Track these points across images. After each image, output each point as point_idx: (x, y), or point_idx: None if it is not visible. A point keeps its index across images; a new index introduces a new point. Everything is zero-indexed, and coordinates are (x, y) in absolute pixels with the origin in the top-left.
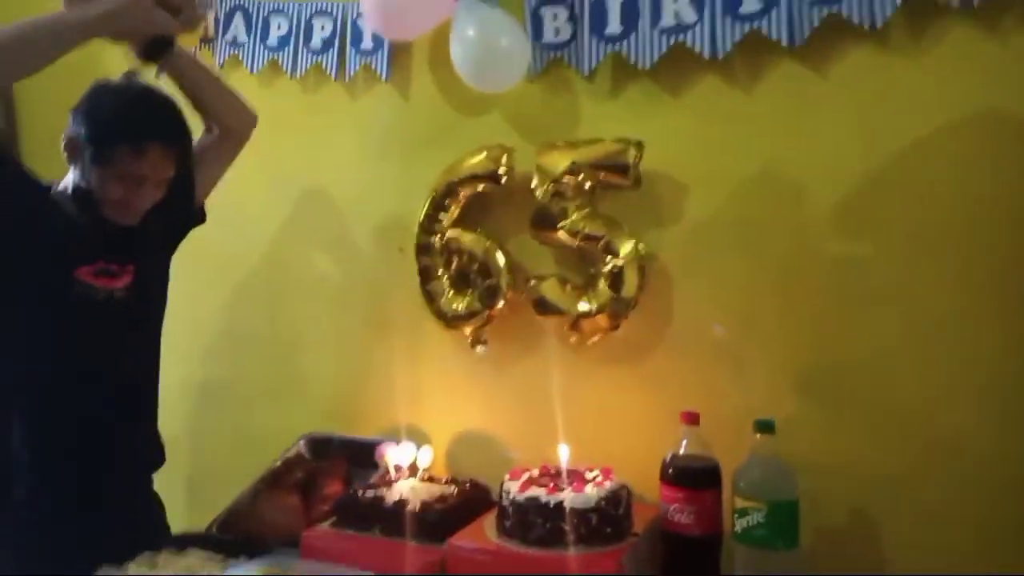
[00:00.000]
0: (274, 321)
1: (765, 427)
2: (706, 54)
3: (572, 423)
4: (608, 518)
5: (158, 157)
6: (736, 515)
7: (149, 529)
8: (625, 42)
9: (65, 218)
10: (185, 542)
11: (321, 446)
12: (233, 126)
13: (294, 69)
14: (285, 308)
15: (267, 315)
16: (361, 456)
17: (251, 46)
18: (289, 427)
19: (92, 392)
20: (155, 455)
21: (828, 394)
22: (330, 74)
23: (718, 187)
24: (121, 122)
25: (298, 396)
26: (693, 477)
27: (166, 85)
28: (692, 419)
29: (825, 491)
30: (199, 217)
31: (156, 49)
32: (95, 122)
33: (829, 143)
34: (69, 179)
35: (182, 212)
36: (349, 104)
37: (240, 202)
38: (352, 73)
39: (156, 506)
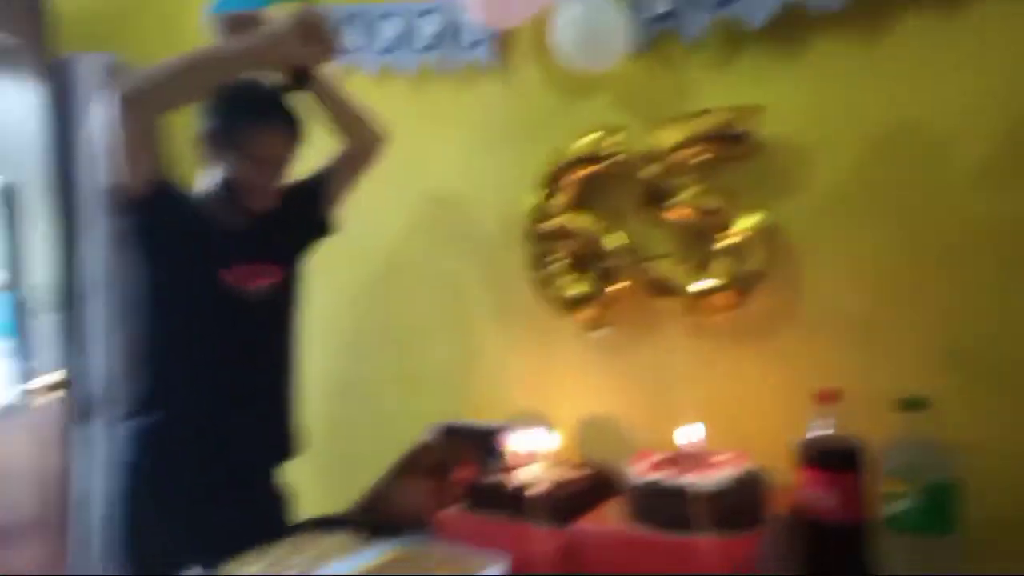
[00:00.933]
0: (401, 315)
1: (914, 404)
2: (822, 8)
3: (698, 405)
4: (740, 502)
5: (280, 135)
6: (885, 499)
7: (270, 520)
8: (732, 6)
9: (211, 223)
10: (328, 524)
11: (451, 433)
12: (364, 145)
13: (405, 69)
14: (410, 302)
15: (395, 310)
16: (489, 442)
17: (364, 51)
18: (419, 415)
19: (237, 386)
20: (289, 447)
21: (983, 368)
22: (438, 71)
23: (845, 151)
24: (246, 105)
25: (426, 385)
26: (835, 459)
27: None
28: (831, 398)
29: (983, 474)
30: (329, 229)
31: (301, 79)
32: (222, 111)
33: (965, 95)
34: (205, 182)
35: (312, 223)
36: (457, 99)
37: (365, 204)
38: (459, 67)
39: (280, 499)
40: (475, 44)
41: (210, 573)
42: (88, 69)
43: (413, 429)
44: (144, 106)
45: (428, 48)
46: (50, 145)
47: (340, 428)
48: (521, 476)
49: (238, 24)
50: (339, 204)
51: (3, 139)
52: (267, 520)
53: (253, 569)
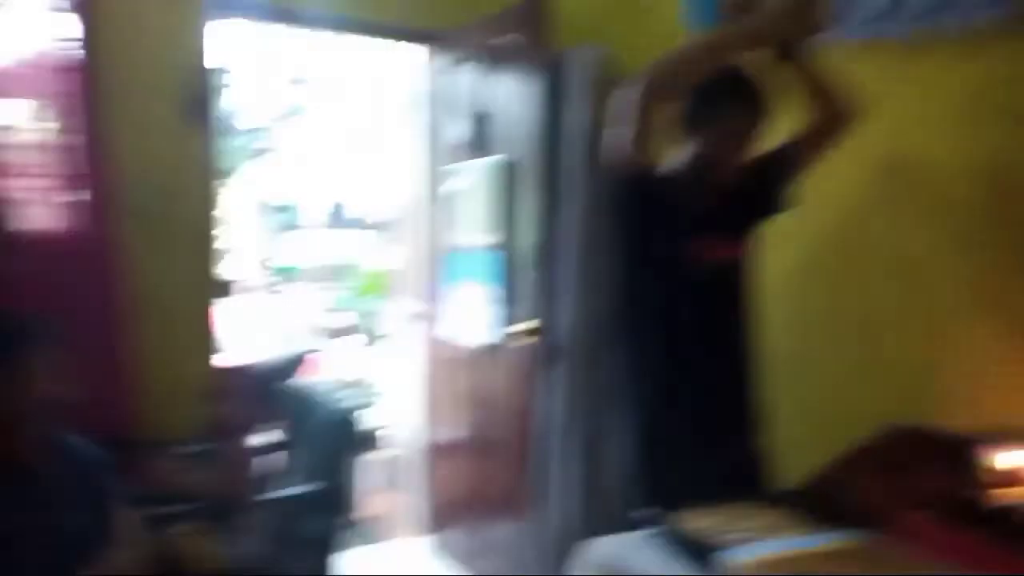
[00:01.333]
0: (857, 298)
1: None
2: None
3: None
4: None
5: (749, 112)
6: None
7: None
8: None
9: (681, 198)
10: (778, 498)
11: (915, 435)
12: (834, 120)
13: (892, 38)
14: (868, 286)
15: (848, 292)
16: (962, 453)
17: (848, 22)
18: (871, 406)
19: (705, 355)
20: (754, 418)
21: None
22: (930, 38)
23: None
24: (719, 84)
25: (882, 377)
26: None
27: None
28: None
29: None
30: (786, 205)
31: (786, 55)
32: (698, 91)
33: None
34: (674, 160)
35: (771, 198)
36: (947, 66)
37: (823, 176)
38: (957, 32)
39: (750, 465)
40: (984, 5)
41: (657, 517)
42: (578, 62)
43: (864, 421)
44: (660, 93)
45: (918, 16)
46: (542, 128)
47: (793, 406)
48: (1007, 497)
49: (738, 7)
50: (799, 179)
51: (509, 123)
52: (734, 482)
53: (703, 523)
